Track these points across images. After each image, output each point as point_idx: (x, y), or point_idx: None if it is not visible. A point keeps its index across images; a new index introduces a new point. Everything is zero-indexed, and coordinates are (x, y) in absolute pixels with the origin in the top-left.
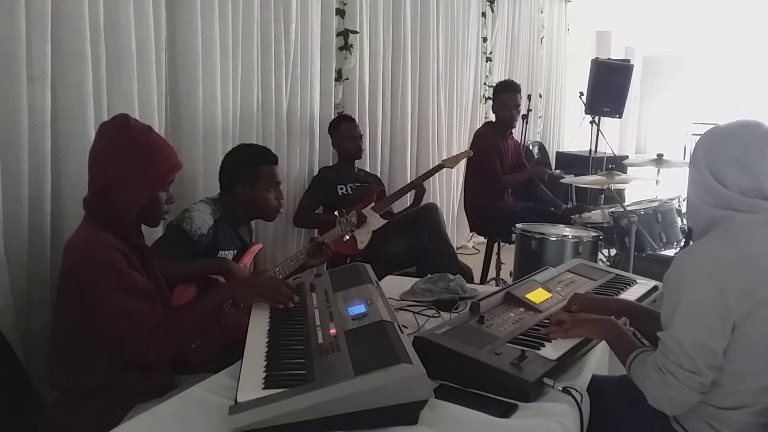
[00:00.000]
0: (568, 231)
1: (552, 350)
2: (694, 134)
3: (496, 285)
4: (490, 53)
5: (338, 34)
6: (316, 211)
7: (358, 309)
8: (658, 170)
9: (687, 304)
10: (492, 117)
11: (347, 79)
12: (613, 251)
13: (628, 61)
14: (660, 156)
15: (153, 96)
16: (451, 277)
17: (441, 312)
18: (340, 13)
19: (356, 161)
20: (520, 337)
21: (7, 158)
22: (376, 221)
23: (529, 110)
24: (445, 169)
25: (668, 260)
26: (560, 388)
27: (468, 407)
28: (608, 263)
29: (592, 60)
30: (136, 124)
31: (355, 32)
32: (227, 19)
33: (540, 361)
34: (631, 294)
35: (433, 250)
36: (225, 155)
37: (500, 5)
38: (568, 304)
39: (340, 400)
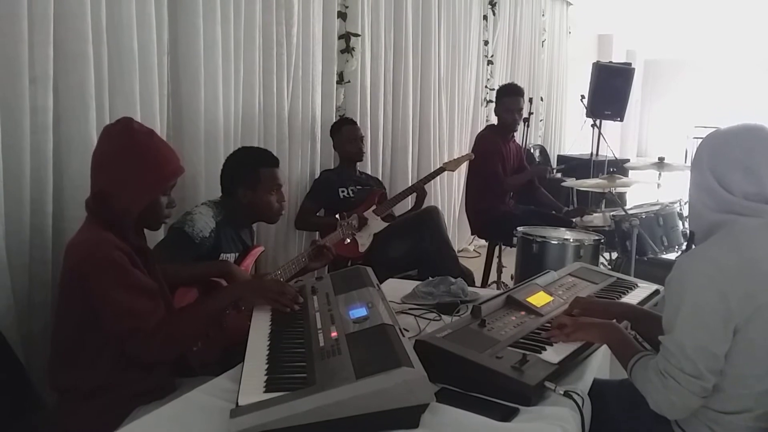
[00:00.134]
0: (569, 234)
1: (553, 354)
2: (695, 137)
3: (498, 288)
4: (492, 56)
5: (340, 37)
6: (318, 214)
7: (360, 312)
8: (660, 173)
9: (689, 307)
10: (493, 120)
11: (349, 81)
12: (615, 255)
13: (630, 64)
14: (661, 159)
15: (155, 98)
16: (453, 280)
17: (442, 315)
18: (342, 16)
19: (357, 164)
20: (522, 340)
21: (9, 160)
22: (377, 224)
23: (530, 113)
24: (446, 172)
25: (669, 264)
26: (561, 392)
27: (469, 411)
28: (610, 267)
29: (594, 63)
30: (139, 128)
31: (356, 35)
32: (229, 22)
33: (541, 365)
34: (632, 297)
35: (434, 253)
36: (227, 158)
37: (501, 8)
38: (570, 308)
39: (342, 403)
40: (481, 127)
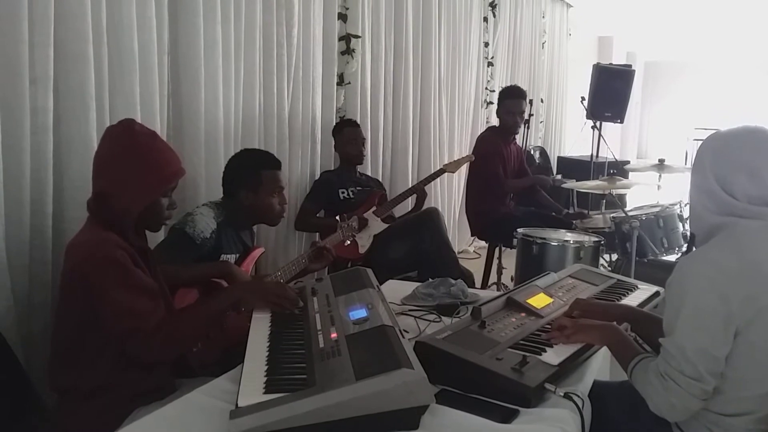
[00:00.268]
0: (569, 236)
1: (553, 356)
2: (695, 139)
3: (498, 290)
4: (492, 58)
5: (340, 39)
6: (318, 215)
7: (360, 313)
8: (660, 175)
9: (689, 310)
10: (494, 121)
11: (349, 83)
12: (615, 256)
13: (630, 66)
14: (661, 161)
15: (155, 98)
16: (453, 281)
17: (442, 317)
18: (343, 17)
19: (358, 165)
20: (522, 342)
21: (9, 160)
22: (377, 225)
23: (530, 115)
24: (446, 173)
25: (670, 265)
26: (562, 394)
27: (469, 412)
28: (610, 268)
29: (594, 65)
30: (141, 129)
31: (357, 36)
32: (229, 22)
33: (541, 367)
34: (632, 299)
35: (434, 254)
36: (228, 160)
37: (502, 10)
38: (570, 310)
39: (341, 404)
40: (481, 129)
